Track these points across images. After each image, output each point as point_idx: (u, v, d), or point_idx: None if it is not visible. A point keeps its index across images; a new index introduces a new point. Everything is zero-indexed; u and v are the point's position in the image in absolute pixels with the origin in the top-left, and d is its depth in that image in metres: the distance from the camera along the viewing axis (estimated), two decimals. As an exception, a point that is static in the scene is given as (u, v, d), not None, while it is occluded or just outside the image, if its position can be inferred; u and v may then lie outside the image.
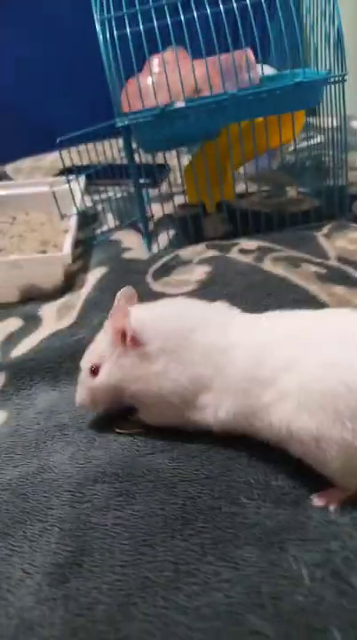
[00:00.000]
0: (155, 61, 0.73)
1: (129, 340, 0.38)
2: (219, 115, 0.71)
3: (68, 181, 0.76)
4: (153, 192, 0.89)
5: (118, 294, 0.41)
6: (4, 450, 0.41)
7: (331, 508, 0.32)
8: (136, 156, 0.77)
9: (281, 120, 0.73)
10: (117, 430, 0.41)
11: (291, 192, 0.88)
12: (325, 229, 0.73)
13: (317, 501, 0.32)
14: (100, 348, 0.40)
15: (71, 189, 0.77)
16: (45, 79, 1.43)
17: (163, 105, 0.69)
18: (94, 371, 0.40)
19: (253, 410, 0.34)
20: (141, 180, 0.84)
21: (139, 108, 0.70)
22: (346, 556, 0.28)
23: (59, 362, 0.52)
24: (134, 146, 0.77)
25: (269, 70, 0.90)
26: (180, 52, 0.73)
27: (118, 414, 0.42)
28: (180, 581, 0.28)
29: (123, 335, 0.38)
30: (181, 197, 0.85)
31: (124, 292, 0.41)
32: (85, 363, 0.41)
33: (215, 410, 0.36)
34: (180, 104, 0.70)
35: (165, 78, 0.70)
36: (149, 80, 0.72)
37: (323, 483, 0.32)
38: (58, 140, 0.75)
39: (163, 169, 0.96)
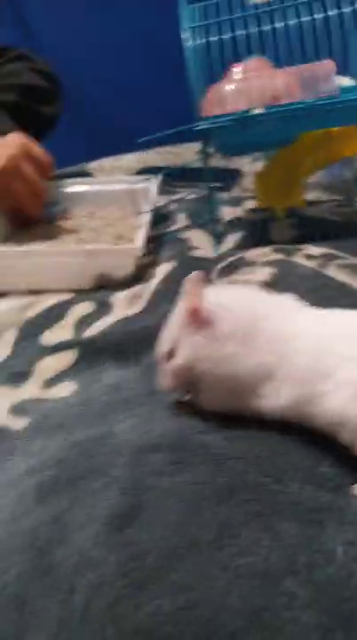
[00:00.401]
0: (237, 69, 0.77)
1: (200, 319, 0.40)
2: (295, 123, 0.73)
3: (146, 180, 0.80)
4: (225, 196, 0.92)
5: (189, 277, 0.42)
6: (76, 415, 0.46)
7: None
8: (211, 161, 0.80)
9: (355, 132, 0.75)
10: (175, 406, 0.44)
11: (362, 203, 0.89)
12: None
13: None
14: (173, 331, 0.42)
15: (148, 188, 0.81)
16: (131, 84, 1.50)
17: (242, 111, 0.72)
18: (170, 354, 0.42)
19: (310, 398, 0.36)
20: (213, 184, 0.87)
21: (218, 114, 0.73)
22: (380, 539, 0.30)
23: (127, 344, 0.56)
24: (211, 150, 0.81)
25: (349, 82, 0.91)
26: (261, 61, 0.76)
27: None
28: (223, 542, 0.31)
29: (195, 314, 0.40)
30: (252, 202, 0.88)
31: (195, 275, 0.42)
32: (160, 348, 0.43)
33: (275, 398, 0.38)
34: (258, 110, 0.72)
35: (245, 86, 0.73)
36: (229, 87, 0.75)
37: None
38: (139, 141, 0.79)
39: (237, 174, 0.99)
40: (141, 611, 0.28)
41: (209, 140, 0.79)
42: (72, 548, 0.32)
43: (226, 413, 0.42)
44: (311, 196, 0.93)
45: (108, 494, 0.36)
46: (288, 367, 0.38)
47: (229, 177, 0.98)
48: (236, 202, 0.94)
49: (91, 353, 0.55)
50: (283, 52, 0.75)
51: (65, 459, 0.40)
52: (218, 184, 0.95)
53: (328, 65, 0.76)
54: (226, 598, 0.28)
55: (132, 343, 0.56)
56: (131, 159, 1.21)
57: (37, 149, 0.83)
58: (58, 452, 0.41)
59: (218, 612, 0.27)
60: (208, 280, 0.47)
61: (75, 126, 1.66)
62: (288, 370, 0.38)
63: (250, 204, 0.90)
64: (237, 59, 0.75)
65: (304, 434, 0.38)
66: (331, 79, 0.77)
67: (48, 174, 0.88)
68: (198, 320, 0.40)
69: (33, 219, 0.86)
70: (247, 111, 0.73)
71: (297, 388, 0.37)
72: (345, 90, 0.81)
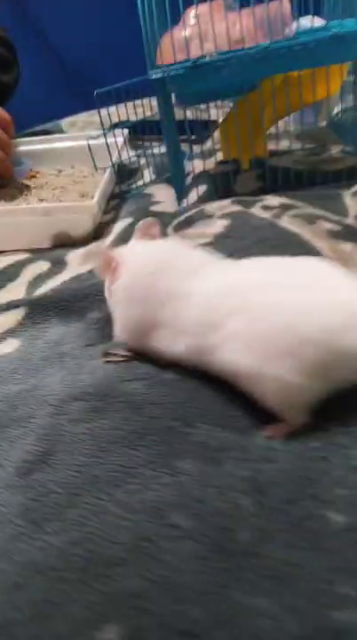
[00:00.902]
0: (191, 13, 0.74)
1: (110, 268, 0.43)
2: (252, 68, 0.71)
3: (104, 135, 0.79)
4: (197, 148, 0.91)
5: (139, 223, 0.46)
6: (10, 370, 0.47)
7: (276, 439, 0.34)
8: (186, 112, 0.79)
9: (317, 76, 0.72)
10: (104, 359, 0.45)
11: (334, 151, 0.87)
12: (355, 188, 0.72)
13: (265, 432, 0.35)
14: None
15: (107, 143, 0.80)
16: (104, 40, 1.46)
17: (196, 57, 0.70)
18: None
19: (204, 349, 0.37)
20: (185, 136, 0.85)
21: (172, 62, 0.71)
22: (273, 475, 0.31)
23: (72, 301, 0.56)
24: (174, 101, 0.79)
25: (318, 22, 0.88)
26: (216, 4, 0.73)
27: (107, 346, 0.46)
28: (123, 481, 0.32)
29: (106, 264, 0.44)
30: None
31: (145, 221, 0.46)
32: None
33: (172, 345, 0.40)
34: (212, 56, 0.70)
35: (204, 30, 0.70)
36: (186, 32, 0.73)
37: (275, 418, 0.35)
38: (95, 93, 0.77)
39: (211, 125, 0.97)
40: (34, 546, 0.29)
41: (165, 90, 0.77)
42: (-19, 490, 0.33)
43: (152, 362, 0.42)
44: (282, 145, 0.91)
45: (25, 441, 0.37)
46: (183, 321, 0.39)
47: (203, 128, 0.96)
48: (207, 154, 0.92)
49: (38, 311, 0.56)
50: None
51: (-8, 410, 0.41)
52: (190, 136, 0.93)
53: (283, 4, 0.73)
54: (115, 531, 0.29)
55: (78, 300, 0.56)
56: (105, 115, 1.19)
57: None
58: (-13, 403, 0.42)
59: (105, 545, 0.28)
60: (161, 230, 0.47)
61: (52, 81, 1.64)
62: (183, 323, 0.39)
63: (220, 157, 0.89)
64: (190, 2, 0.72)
65: (221, 382, 0.38)
66: (289, 20, 0.74)
67: (9, 133, 0.87)
68: (108, 268, 0.43)
69: (4, 178, 0.86)
70: (202, 57, 0.71)
71: (190, 339, 0.38)
72: (301, 33, 0.79)
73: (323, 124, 0.97)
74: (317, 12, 0.84)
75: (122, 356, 0.44)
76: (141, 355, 0.44)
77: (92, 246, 0.70)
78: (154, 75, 0.73)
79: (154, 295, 0.40)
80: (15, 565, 0.28)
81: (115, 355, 0.45)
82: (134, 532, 0.29)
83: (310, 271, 0.36)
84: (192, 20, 0.74)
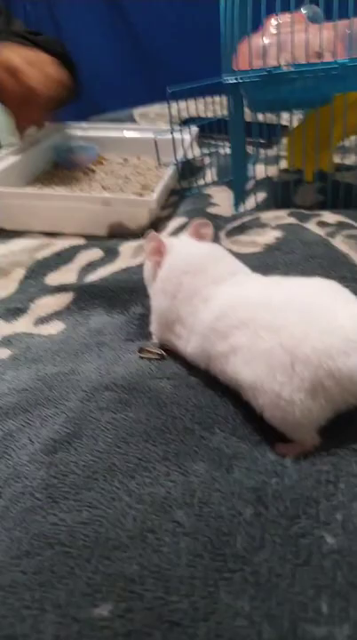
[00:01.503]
0: (272, 22, 0.75)
1: (156, 254, 0.47)
2: (327, 83, 0.71)
3: (171, 132, 0.81)
4: (267, 152, 0.91)
5: (193, 220, 0.49)
6: (52, 352, 0.50)
7: (286, 457, 0.36)
8: (256, 116, 0.79)
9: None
10: (139, 355, 0.47)
11: None
12: None
13: (277, 449, 0.37)
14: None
15: (173, 139, 0.82)
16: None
17: (271, 67, 0.71)
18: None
19: (211, 354, 0.40)
20: (253, 140, 0.86)
21: (248, 69, 0.72)
22: (277, 489, 0.33)
23: (118, 293, 0.59)
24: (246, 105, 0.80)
25: None
26: (298, 14, 0.74)
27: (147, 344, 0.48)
28: (137, 472, 0.35)
29: (155, 248, 0.47)
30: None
31: (198, 221, 0.49)
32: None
33: (186, 343, 0.43)
34: (286, 68, 0.71)
35: (285, 39, 0.71)
36: (262, 41, 0.73)
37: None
38: (169, 91, 0.79)
39: (283, 130, 0.97)
40: (47, 520, 0.32)
41: (236, 95, 0.78)
42: (9, 462, 0.36)
43: (183, 363, 0.45)
44: (348, 160, 0.90)
45: (55, 421, 0.40)
46: (198, 321, 0.42)
47: (273, 133, 0.96)
48: (273, 160, 0.93)
49: (85, 298, 0.59)
50: (322, 6, 0.72)
51: (30, 388, 0.44)
52: (259, 140, 0.94)
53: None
54: (123, 519, 0.31)
55: (124, 292, 0.59)
56: (181, 107, 1.21)
57: (55, 69, 0.85)
58: (26, 381, 0.45)
59: (111, 529, 0.31)
60: (213, 234, 0.50)
61: (131, 69, 1.67)
62: (197, 323, 0.42)
63: (285, 164, 0.89)
64: (272, 11, 0.72)
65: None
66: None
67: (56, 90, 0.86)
68: (156, 253, 0.47)
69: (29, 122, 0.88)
70: (278, 67, 0.71)
71: (200, 341, 0.41)
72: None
73: None
74: None
75: (157, 353, 0.47)
76: (172, 354, 0.46)
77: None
78: (228, 79, 0.74)
79: (181, 292, 0.43)
80: (28, 535, 0.31)
81: (149, 352, 0.47)
82: (139, 521, 0.31)
83: (319, 294, 0.38)
84: (272, 29, 0.75)
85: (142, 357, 0.47)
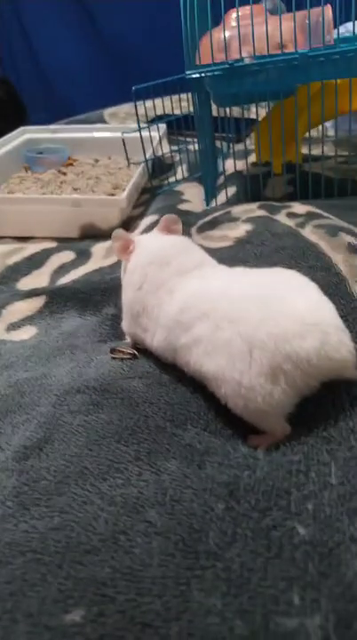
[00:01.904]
0: (232, 15, 0.74)
1: (125, 251, 0.47)
2: (289, 74, 0.71)
3: (139, 130, 0.80)
4: (235, 147, 0.91)
5: (163, 217, 0.48)
6: (24, 358, 0.49)
7: (259, 449, 0.36)
8: (218, 110, 0.79)
9: (353, 86, 0.72)
10: (111, 356, 0.47)
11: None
12: (385, 201, 0.72)
13: (249, 441, 0.37)
14: None
15: (141, 137, 0.81)
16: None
17: (233, 60, 0.71)
18: None
19: (177, 348, 0.40)
20: (221, 135, 0.86)
21: (210, 63, 0.72)
22: (249, 482, 0.33)
23: (91, 294, 0.59)
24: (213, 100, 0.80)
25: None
26: (258, 7, 0.74)
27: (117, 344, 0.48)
28: (109, 474, 0.34)
29: (123, 246, 0.47)
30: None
31: (169, 216, 0.48)
32: None
33: (152, 336, 0.43)
34: (248, 60, 0.71)
35: (246, 32, 0.71)
36: (223, 35, 0.73)
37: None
38: (133, 89, 0.79)
39: (246, 125, 0.97)
40: (18, 528, 0.31)
41: (200, 89, 0.78)
42: (-19, 471, 0.36)
43: (155, 361, 0.44)
44: (316, 151, 0.90)
45: (26, 428, 0.39)
46: (162, 314, 0.42)
47: (243, 127, 0.96)
48: (242, 154, 0.93)
49: (58, 301, 0.58)
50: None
51: (1, 395, 0.44)
52: (228, 134, 0.94)
53: (329, 11, 0.72)
54: (94, 522, 0.31)
55: (96, 294, 0.58)
56: (149, 106, 1.21)
57: None
58: (-2, 387, 0.45)
59: (82, 533, 0.31)
60: (182, 229, 0.49)
61: (100, 71, 1.66)
62: (162, 316, 0.42)
63: (254, 158, 0.89)
64: (232, 5, 0.72)
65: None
66: (330, 28, 0.73)
67: None
68: (125, 251, 0.47)
69: None
70: (240, 60, 0.71)
71: (165, 334, 0.41)
72: (342, 40, 0.78)
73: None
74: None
75: (129, 353, 0.46)
76: (144, 352, 0.46)
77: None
78: (191, 74, 0.74)
79: (146, 283, 0.44)
80: (0, 544, 0.31)
81: (121, 352, 0.47)
82: (111, 524, 0.31)
83: (278, 283, 0.39)
84: (233, 22, 0.75)
85: (114, 358, 0.47)
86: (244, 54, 0.72)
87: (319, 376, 0.35)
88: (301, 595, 0.26)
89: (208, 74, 0.72)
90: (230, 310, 0.36)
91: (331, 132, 0.94)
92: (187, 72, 0.73)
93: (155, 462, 0.35)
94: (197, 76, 0.73)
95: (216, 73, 0.71)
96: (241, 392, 0.34)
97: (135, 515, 0.31)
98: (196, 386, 0.41)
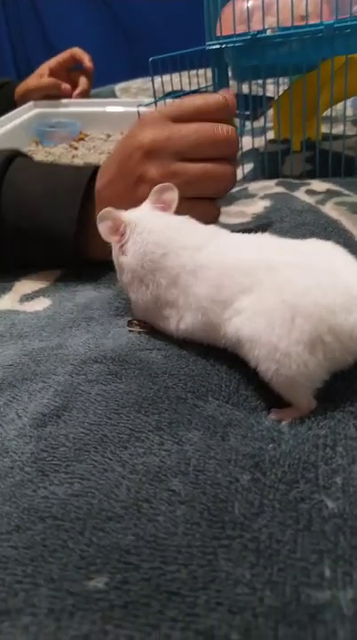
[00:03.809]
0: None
1: (116, 232, 0.43)
2: (313, 47, 0.69)
3: (155, 103, 0.79)
4: (251, 124, 0.89)
5: (155, 187, 0.44)
6: (38, 327, 0.48)
7: (283, 422, 0.35)
8: (241, 86, 0.77)
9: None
10: (128, 328, 0.46)
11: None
12: None
13: (272, 415, 0.36)
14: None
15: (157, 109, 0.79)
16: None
17: (255, 31, 0.69)
18: None
19: (211, 325, 0.38)
20: (239, 112, 0.83)
21: (232, 34, 0.70)
22: (274, 455, 0.32)
23: (103, 267, 0.57)
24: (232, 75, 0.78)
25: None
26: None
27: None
28: (130, 443, 0.33)
29: (114, 226, 0.43)
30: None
31: (161, 185, 0.43)
32: None
33: (177, 322, 0.41)
34: (271, 31, 0.69)
35: (269, 2, 0.68)
36: (245, 5, 0.71)
37: (284, 403, 0.35)
38: (150, 60, 0.77)
39: (267, 101, 0.95)
40: (37, 494, 0.31)
41: (220, 62, 0.76)
42: (-3, 436, 0.35)
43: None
44: (336, 129, 0.89)
45: (43, 395, 0.38)
46: (189, 297, 0.39)
47: (259, 104, 0.94)
48: (260, 132, 0.91)
49: (71, 273, 0.57)
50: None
51: (16, 363, 0.43)
52: (245, 112, 0.92)
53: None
54: (116, 489, 0.30)
55: (110, 266, 0.57)
56: (159, 83, 1.18)
57: None
58: (12, 357, 0.44)
59: (104, 500, 0.30)
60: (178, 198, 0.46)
61: (112, 46, 1.63)
62: (189, 299, 0.39)
63: (272, 135, 0.87)
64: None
65: (235, 358, 0.39)
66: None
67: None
68: (115, 232, 0.43)
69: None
70: (263, 31, 0.69)
71: (198, 316, 0.39)
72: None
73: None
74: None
75: (145, 326, 0.45)
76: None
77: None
78: (212, 45, 0.72)
79: (164, 277, 0.40)
80: (19, 509, 0.30)
81: (138, 324, 0.46)
82: (133, 491, 0.30)
83: (319, 254, 0.37)
84: (255, -8, 0.73)
85: (131, 330, 0.46)
86: (267, 25, 0.70)
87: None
88: (332, 567, 0.25)
89: (229, 45, 0.70)
90: (273, 282, 0.35)
91: (351, 112, 0.92)
92: (208, 43, 0.71)
93: (177, 432, 0.34)
94: (218, 47, 0.71)
95: (237, 44, 0.69)
96: (276, 356, 0.33)
97: (158, 483, 0.30)
98: (219, 358, 0.40)
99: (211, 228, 0.44)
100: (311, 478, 0.30)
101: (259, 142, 0.85)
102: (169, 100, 0.87)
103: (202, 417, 0.35)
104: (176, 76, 0.91)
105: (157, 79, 0.85)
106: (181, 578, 0.26)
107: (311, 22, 0.69)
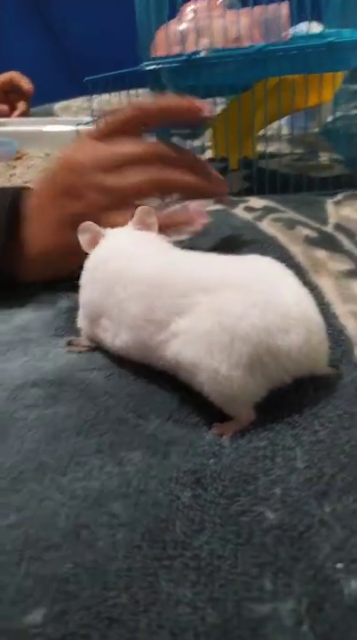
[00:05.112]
0: (188, 8, 0.74)
1: (92, 243, 0.44)
2: (246, 68, 0.71)
3: (94, 120, 0.79)
4: (193, 143, 0.91)
5: (137, 209, 0.45)
6: (-27, 353, 0.47)
7: (224, 437, 0.35)
8: None
9: (312, 80, 0.73)
10: (67, 348, 0.45)
11: (324, 158, 0.87)
12: (339, 197, 0.73)
13: (214, 429, 0.36)
14: None
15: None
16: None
17: (190, 52, 0.70)
18: None
19: (146, 345, 0.38)
20: (177, 131, 0.85)
21: (167, 54, 0.72)
22: (215, 469, 0.32)
23: (44, 287, 0.56)
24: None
25: (316, 28, 0.88)
26: (213, 1, 0.74)
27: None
28: (69, 468, 0.33)
29: (92, 239, 0.45)
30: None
31: (143, 209, 0.45)
32: None
33: (113, 337, 0.41)
34: (205, 52, 0.70)
35: (204, 25, 0.70)
36: (179, 27, 0.73)
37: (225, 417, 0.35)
38: (85, 80, 0.77)
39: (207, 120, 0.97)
40: (-29, 526, 0.29)
41: (157, 83, 0.77)
42: None
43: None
44: (272, 147, 0.91)
45: (-22, 423, 0.37)
46: (123, 312, 0.39)
47: (199, 123, 0.96)
48: (199, 151, 0.93)
49: (8, 294, 0.56)
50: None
51: None
52: (184, 131, 0.93)
53: (285, 8, 0.73)
54: (55, 518, 0.29)
55: (51, 286, 0.56)
56: (102, 101, 1.19)
57: None
58: None
59: (42, 529, 0.29)
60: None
61: (52, 65, 1.62)
62: (122, 314, 0.39)
63: (211, 154, 0.89)
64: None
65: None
66: (286, 24, 0.74)
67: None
68: (93, 243, 0.44)
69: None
70: (197, 52, 0.71)
71: (132, 334, 0.39)
72: (299, 37, 0.79)
73: (316, 130, 0.98)
74: (315, 19, 0.84)
75: (85, 346, 0.45)
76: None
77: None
78: (148, 66, 0.73)
79: (105, 280, 0.41)
80: None
81: (77, 345, 0.45)
82: (72, 518, 0.29)
83: (257, 272, 0.37)
84: (189, 15, 0.75)
85: (70, 351, 0.45)
86: (201, 47, 0.72)
87: (295, 372, 0.35)
88: (273, 580, 0.25)
89: (165, 65, 0.71)
90: (210, 302, 0.35)
91: (285, 130, 0.95)
92: (144, 64, 0.72)
93: (118, 454, 0.34)
94: (153, 67, 0.72)
95: (173, 65, 0.71)
96: (217, 379, 0.34)
97: (98, 508, 0.30)
98: (159, 377, 0.40)
99: (167, 244, 0.44)
100: (251, 490, 0.30)
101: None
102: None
103: (144, 436, 0.35)
104: (114, 96, 0.92)
105: (93, 99, 0.86)
106: (122, 603, 0.25)
107: (244, 44, 0.72)
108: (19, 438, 0.35)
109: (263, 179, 0.76)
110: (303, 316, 0.35)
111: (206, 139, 0.96)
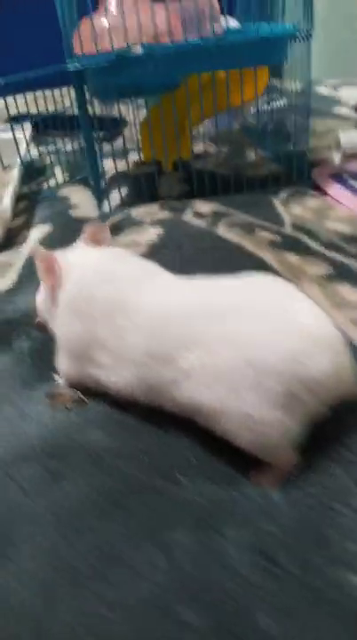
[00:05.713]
0: (112, 1, 0.68)
1: (52, 274, 0.38)
2: (179, 65, 0.66)
3: (12, 129, 0.70)
4: (107, 147, 0.84)
5: (86, 227, 0.40)
6: None
7: (270, 488, 0.30)
8: (90, 107, 0.71)
9: (244, 77, 0.69)
10: (50, 402, 0.38)
11: (251, 155, 0.85)
12: (282, 195, 0.70)
13: (253, 480, 0.31)
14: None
15: (15, 138, 0.71)
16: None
17: (119, 49, 0.64)
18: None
19: (155, 384, 0.32)
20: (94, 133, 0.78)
21: (93, 52, 0.65)
22: (277, 536, 0.27)
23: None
24: (88, 95, 0.72)
25: (233, 23, 0.85)
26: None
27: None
28: (106, 568, 0.26)
29: (49, 268, 0.38)
30: (136, 154, 0.81)
31: (93, 226, 0.40)
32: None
33: (112, 372, 0.34)
34: (138, 50, 0.64)
35: (123, 21, 0.64)
36: (105, 21, 0.66)
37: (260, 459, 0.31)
38: (2, 83, 0.68)
39: (120, 123, 0.91)
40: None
41: (83, 83, 0.70)
42: None
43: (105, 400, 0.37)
44: (196, 148, 0.88)
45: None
46: (125, 345, 0.33)
47: (112, 126, 0.89)
48: (120, 154, 0.86)
49: None
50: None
51: None
52: (99, 134, 0.86)
53: (212, 2, 0.69)
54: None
55: (3, 326, 0.48)
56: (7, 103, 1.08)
57: None
58: None
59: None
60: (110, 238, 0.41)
61: None
62: (125, 347, 0.33)
63: (136, 157, 0.83)
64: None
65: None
66: (218, 18, 0.70)
67: None
68: (51, 274, 0.38)
69: None
70: (126, 50, 0.64)
71: (134, 371, 0.33)
72: (231, 31, 0.76)
73: (237, 127, 0.96)
74: (229, 13, 0.82)
75: (71, 397, 0.38)
76: (88, 392, 0.38)
77: (8, 256, 0.62)
78: (74, 66, 0.65)
79: (96, 308, 0.35)
80: None
81: (60, 397, 0.38)
82: (139, 635, 0.23)
83: (265, 293, 0.33)
84: (113, 8, 0.68)
85: (55, 406, 0.38)
86: (130, 42, 0.66)
87: (327, 398, 0.30)
88: None
89: (92, 65, 0.64)
90: (222, 333, 0.30)
91: (203, 128, 0.92)
92: (69, 64, 0.65)
93: (158, 536, 0.28)
94: (80, 68, 0.65)
95: (101, 64, 0.64)
96: (250, 425, 0.29)
97: (163, 618, 0.24)
98: (170, 422, 0.34)
99: (148, 262, 0.38)
100: (325, 554, 0.26)
101: (122, 165, 0.80)
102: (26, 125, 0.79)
103: (180, 505, 0.29)
104: (19, 97, 0.83)
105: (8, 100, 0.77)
106: None
107: (174, 40, 0.66)
108: (31, 537, 0.28)
109: (203, 181, 0.72)
110: (326, 336, 0.31)
111: (126, 141, 0.90)
